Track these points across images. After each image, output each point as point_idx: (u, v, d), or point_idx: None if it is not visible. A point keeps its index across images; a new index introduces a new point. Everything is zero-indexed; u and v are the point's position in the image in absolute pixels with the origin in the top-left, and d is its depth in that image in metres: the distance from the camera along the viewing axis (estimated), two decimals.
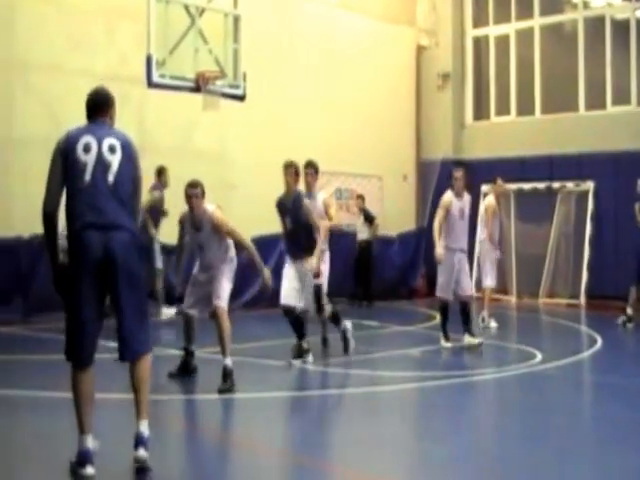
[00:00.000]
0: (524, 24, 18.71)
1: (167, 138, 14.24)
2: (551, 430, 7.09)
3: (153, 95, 12.93)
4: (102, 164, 5.64)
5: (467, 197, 11.41)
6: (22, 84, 12.82)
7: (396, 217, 18.17)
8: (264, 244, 15.54)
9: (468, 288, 11.33)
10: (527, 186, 17.72)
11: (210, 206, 8.74)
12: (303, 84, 16.64)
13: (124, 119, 13.61)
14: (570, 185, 17.43)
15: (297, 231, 9.80)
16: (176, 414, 7.77)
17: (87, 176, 5.59)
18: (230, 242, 8.92)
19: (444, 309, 11.18)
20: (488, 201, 13.51)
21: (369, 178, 17.88)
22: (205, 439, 6.85)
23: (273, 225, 15.39)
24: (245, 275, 15.39)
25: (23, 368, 9.41)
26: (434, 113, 19.33)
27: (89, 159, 5.63)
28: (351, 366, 9.80)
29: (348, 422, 7.40)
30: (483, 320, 13.20)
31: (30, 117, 12.86)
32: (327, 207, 10.21)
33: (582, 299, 17.02)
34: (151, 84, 12.26)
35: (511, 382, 9.37)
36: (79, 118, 13.81)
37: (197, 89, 12.68)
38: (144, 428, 5.71)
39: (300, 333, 9.88)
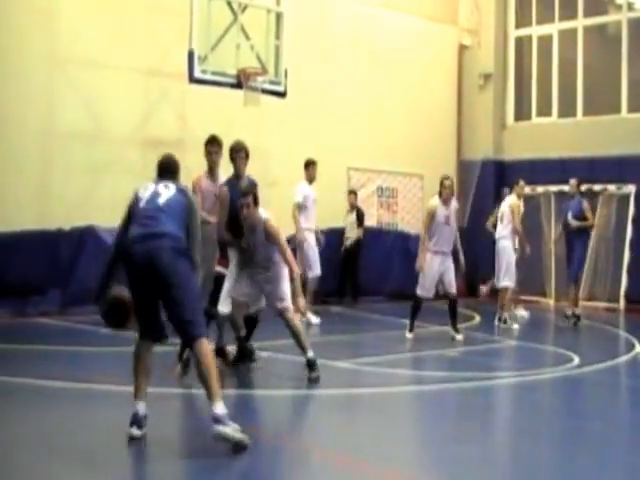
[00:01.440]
0: (567, 25, 18.47)
1: (207, 133, 14.14)
2: (586, 435, 6.95)
3: (194, 90, 12.91)
4: (156, 193, 6.29)
5: (454, 204, 11.88)
6: (63, 79, 12.86)
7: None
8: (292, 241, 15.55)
9: (454, 285, 11.77)
10: (568, 188, 17.43)
11: (264, 213, 8.43)
12: (344, 82, 16.56)
13: (165, 114, 13.90)
14: (611, 188, 17.14)
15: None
16: (200, 409, 7.70)
17: (142, 203, 6.25)
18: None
19: (417, 304, 11.75)
20: (511, 200, 13.52)
21: (410, 177, 17.74)
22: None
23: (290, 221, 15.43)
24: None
25: (59, 359, 9.42)
26: (475, 113, 19.15)
27: (146, 194, 6.32)
28: (387, 365, 9.70)
29: (380, 421, 7.30)
30: (505, 321, 13.08)
31: (71, 112, 12.91)
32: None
33: (621, 303, 16.75)
34: (192, 79, 12.27)
35: (547, 385, 9.22)
36: (119, 113, 14.03)
37: (238, 85, 12.67)
38: (218, 409, 5.88)
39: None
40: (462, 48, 19.35)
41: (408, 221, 17.69)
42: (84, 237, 12.85)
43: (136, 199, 6.29)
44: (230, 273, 8.80)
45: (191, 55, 12.08)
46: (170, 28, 13.36)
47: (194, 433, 6.77)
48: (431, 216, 11.62)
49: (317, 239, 13.44)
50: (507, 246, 13.31)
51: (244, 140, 14.60)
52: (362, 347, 11.55)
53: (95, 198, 12.93)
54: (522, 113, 19.29)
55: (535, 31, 19.09)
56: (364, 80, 16.92)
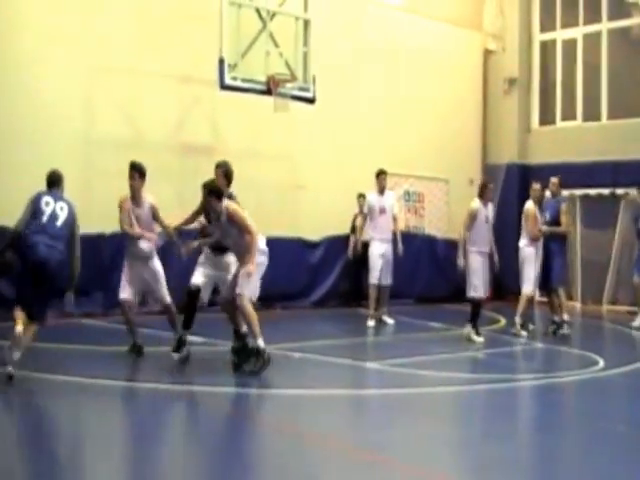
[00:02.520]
0: (592, 28, 18.55)
1: (238, 139, 14.51)
2: (612, 438, 7.06)
3: (225, 97, 13.17)
4: (55, 215, 8.39)
5: (491, 205, 12.53)
6: (100, 86, 13.20)
7: (461, 220, 18.13)
8: (333, 245, 15.81)
9: (487, 288, 12.41)
10: (592, 192, 17.61)
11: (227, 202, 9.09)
12: (371, 87, 16.78)
13: (196, 121, 14.21)
14: (633, 192, 17.19)
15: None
16: (241, 408, 7.96)
17: (44, 217, 8.35)
18: None
19: (477, 306, 11.96)
20: (527, 205, 13.24)
21: (435, 181, 17.95)
22: (270, 433, 7.02)
23: (342, 226, 15.71)
24: (315, 274, 15.72)
25: (102, 358, 9.71)
26: (500, 117, 19.30)
27: (47, 210, 8.38)
28: (417, 367, 9.90)
29: (412, 421, 7.48)
30: (522, 326, 12.78)
31: (108, 118, 13.25)
32: (156, 211, 10.07)
33: None
34: (223, 86, 12.53)
35: (573, 387, 9.38)
36: (154, 120, 14.35)
37: (268, 92, 12.91)
38: None
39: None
40: (487, 53, 19.50)
41: (435, 225, 17.91)
42: (123, 241, 13.15)
43: (39, 205, 8.34)
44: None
45: (221, 62, 12.35)
46: (201, 36, 13.64)
47: (241, 431, 7.01)
48: (473, 216, 12.03)
49: (396, 248, 13.81)
50: (526, 253, 12.96)
51: (274, 145, 15.08)
52: (391, 349, 11.76)
53: None
54: (547, 117, 19.41)
55: (559, 35, 19.20)
56: (390, 84, 17.14)
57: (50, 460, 5.90)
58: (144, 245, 9.75)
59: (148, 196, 9.91)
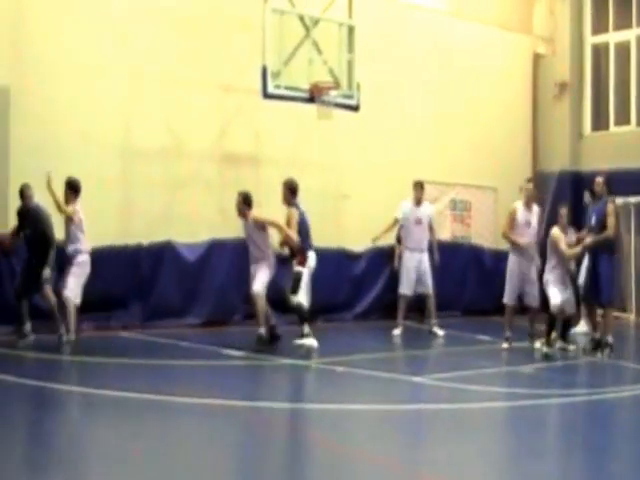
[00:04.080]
0: None
1: (280, 148, 14.64)
2: None
3: (268, 106, 13.28)
4: None
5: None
6: (141, 96, 13.35)
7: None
8: (377, 255, 15.83)
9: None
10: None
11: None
12: (416, 93, 16.76)
13: (238, 130, 14.36)
14: None
15: None
16: (284, 424, 8.03)
17: None
18: None
19: (552, 317, 11.85)
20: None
21: (483, 190, 17.87)
22: (313, 450, 7.06)
23: (386, 236, 15.69)
24: (358, 286, 15.77)
25: (141, 372, 9.85)
26: (551, 123, 19.16)
27: None
28: (465, 381, 9.88)
29: (460, 438, 7.43)
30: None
31: (148, 128, 13.42)
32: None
33: None
34: (266, 95, 12.61)
35: (627, 403, 9.25)
36: (196, 130, 14.54)
37: (311, 100, 12.98)
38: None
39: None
40: (537, 57, 19.38)
41: (482, 235, 17.83)
42: (163, 252, 13.39)
43: None
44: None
45: (264, 71, 12.44)
46: (244, 44, 13.76)
47: (284, 448, 7.08)
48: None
49: (432, 258, 14.05)
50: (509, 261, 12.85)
51: (317, 154, 15.17)
52: (437, 363, 11.76)
53: (174, 214, 13.44)
54: (600, 122, 19.24)
55: (612, 37, 19.03)
56: (436, 91, 17.12)
57: None
58: None
59: None
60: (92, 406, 8.11)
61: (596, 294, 11.86)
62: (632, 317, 17.49)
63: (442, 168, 16.70)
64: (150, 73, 13.45)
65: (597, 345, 11.89)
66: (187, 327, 13.27)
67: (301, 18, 13.13)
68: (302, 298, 11.17)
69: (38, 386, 8.74)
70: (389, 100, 16.18)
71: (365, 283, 15.82)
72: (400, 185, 15.80)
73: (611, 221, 11.75)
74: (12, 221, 11.48)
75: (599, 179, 12.36)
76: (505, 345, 12.37)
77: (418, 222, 13.90)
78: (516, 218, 12.42)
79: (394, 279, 15.71)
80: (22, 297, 11.17)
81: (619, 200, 17.24)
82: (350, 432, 7.67)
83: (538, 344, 11.99)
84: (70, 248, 11.17)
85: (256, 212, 11.47)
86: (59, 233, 11.31)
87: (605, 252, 11.85)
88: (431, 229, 14.14)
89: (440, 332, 13.79)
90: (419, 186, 14.06)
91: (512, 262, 12.54)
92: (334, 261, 15.05)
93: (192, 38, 13.87)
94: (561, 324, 11.92)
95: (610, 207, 11.90)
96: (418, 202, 14.01)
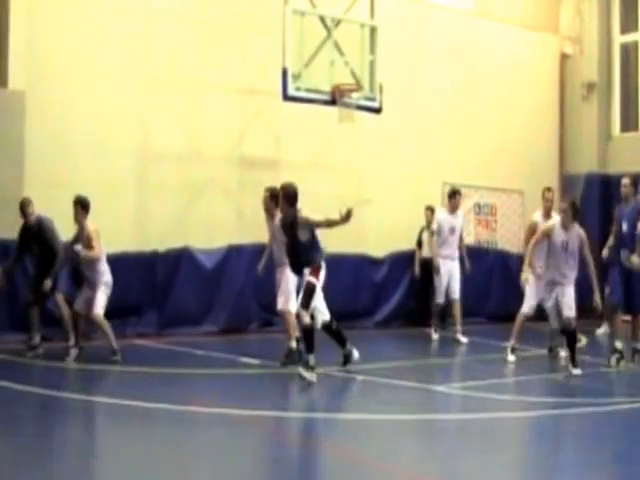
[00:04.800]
0: None
1: (302, 151, 14.58)
2: None
3: (288, 108, 13.24)
4: None
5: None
6: (157, 99, 13.34)
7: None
8: (399, 261, 15.74)
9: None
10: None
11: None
12: (439, 95, 16.66)
13: (258, 133, 14.31)
14: None
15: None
16: (305, 434, 7.96)
17: None
18: None
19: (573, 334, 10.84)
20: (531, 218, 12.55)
21: (509, 193, 17.72)
22: (334, 460, 6.97)
23: (407, 241, 15.62)
24: (379, 292, 15.68)
25: (156, 381, 9.79)
26: (578, 125, 18.99)
27: None
28: (489, 390, 9.76)
29: (484, 449, 7.35)
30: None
31: (165, 132, 13.41)
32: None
33: None
34: (287, 97, 12.57)
35: None
36: (214, 133, 14.47)
37: (332, 102, 12.92)
38: None
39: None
40: (563, 57, 19.23)
41: (508, 239, 17.67)
42: (179, 259, 13.35)
43: None
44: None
45: (285, 73, 12.40)
46: (264, 46, 13.74)
47: (305, 458, 7.00)
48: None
49: (462, 266, 14.17)
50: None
51: (338, 157, 15.09)
52: (462, 371, 11.65)
53: (191, 219, 13.41)
54: (629, 123, 19.04)
55: None
56: (460, 93, 17.00)
57: None
58: None
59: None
60: (109, 416, 8.09)
61: (631, 302, 11.52)
62: None
63: (466, 171, 16.58)
64: (167, 76, 13.45)
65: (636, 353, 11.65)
66: (204, 335, 13.23)
67: (322, 19, 13.10)
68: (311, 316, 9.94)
69: (51, 395, 8.71)
70: (412, 102, 16.09)
71: (386, 289, 15.72)
72: (423, 189, 15.74)
73: None
74: None
75: (626, 180, 11.99)
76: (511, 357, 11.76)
77: (452, 231, 13.98)
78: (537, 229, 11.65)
79: (415, 285, 15.64)
80: (31, 306, 11.14)
81: None
82: (370, 443, 7.57)
83: (563, 353, 11.72)
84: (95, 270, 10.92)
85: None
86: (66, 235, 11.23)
87: None
88: (461, 237, 14.23)
89: (464, 340, 13.69)
90: (455, 194, 14.08)
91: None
92: (354, 267, 14.99)
93: (211, 40, 13.86)
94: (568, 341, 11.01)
95: None
96: (453, 210, 14.06)
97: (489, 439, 7.72)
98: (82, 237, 10.73)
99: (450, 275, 13.97)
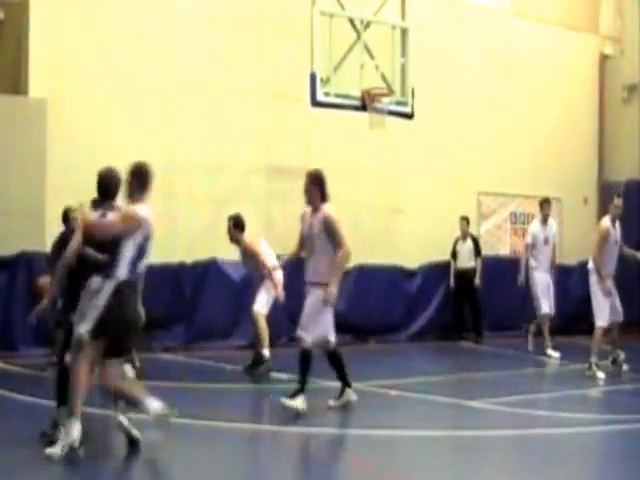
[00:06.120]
0: None
1: (331, 158, 14.54)
2: None
3: (317, 114, 13.27)
4: None
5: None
6: (183, 107, 13.49)
7: (575, 243, 17.66)
8: (433, 272, 15.73)
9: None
10: None
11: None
12: (473, 100, 16.66)
13: (286, 140, 14.38)
14: None
15: None
16: (337, 450, 8.00)
17: None
18: None
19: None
20: (600, 224, 12.56)
21: None
22: (356, 473, 7.02)
23: (442, 252, 15.60)
24: (412, 305, 15.68)
25: (183, 395, 9.82)
26: (619, 129, 18.91)
27: None
28: (526, 406, 9.77)
29: (519, 467, 7.38)
30: (589, 367, 11.87)
31: (191, 140, 13.54)
32: None
33: None
34: (315, 103, 12.56)
35: None
36: (241, 141, 14.56)
37: (363, 107, 12.92)
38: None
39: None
40: (603, 58, 19.17)
41: None
42: (207, 270, 13.45)
43: None
44: None
45: (313, 77, 12.43)
46: (291, 50, 13.82)
47: (337, 476, 7.09)
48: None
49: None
50: (591, 280, 12.12)
51: (369, 164, 15.13)
52: (497, 386, 11.62)
53: (218, 230, 13.46)
54: None
55: None
56: (495, 97, 16.98)
57: None
58: None
59: None
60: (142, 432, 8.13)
61: None
62: None
63: (501, 178, 16.56)
64: (193, 83, 13.57)
65: None
66: (232, 349, 13.29)
67: (351, 21, 13.09)
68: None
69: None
70: (445, 106, 16.11)
71: (420, 302, 15.74)
72: (457, 197, 15.73)
73: None
74: (49, 241, 11.49)
75: None
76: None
77: (547, 242, 14.13)
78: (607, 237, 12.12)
79: (450, 297, 15.64)
80: (60, 325, 11.13)
81: None
82: (395, 458, 7.64)
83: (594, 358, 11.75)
84: None
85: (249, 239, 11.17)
86: None
87: None
88: (554, 248, 14.32)
89: (555, 354, 13.67)
90: (546, 203, 14.27)
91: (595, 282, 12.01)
92: (387, 279, 15.02)
93: (237, 45, 13.99)
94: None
95: None
96: (545, 220, 14.19)
97: (523, 456, 7.75)
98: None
99: (547, 287, 14.04)
